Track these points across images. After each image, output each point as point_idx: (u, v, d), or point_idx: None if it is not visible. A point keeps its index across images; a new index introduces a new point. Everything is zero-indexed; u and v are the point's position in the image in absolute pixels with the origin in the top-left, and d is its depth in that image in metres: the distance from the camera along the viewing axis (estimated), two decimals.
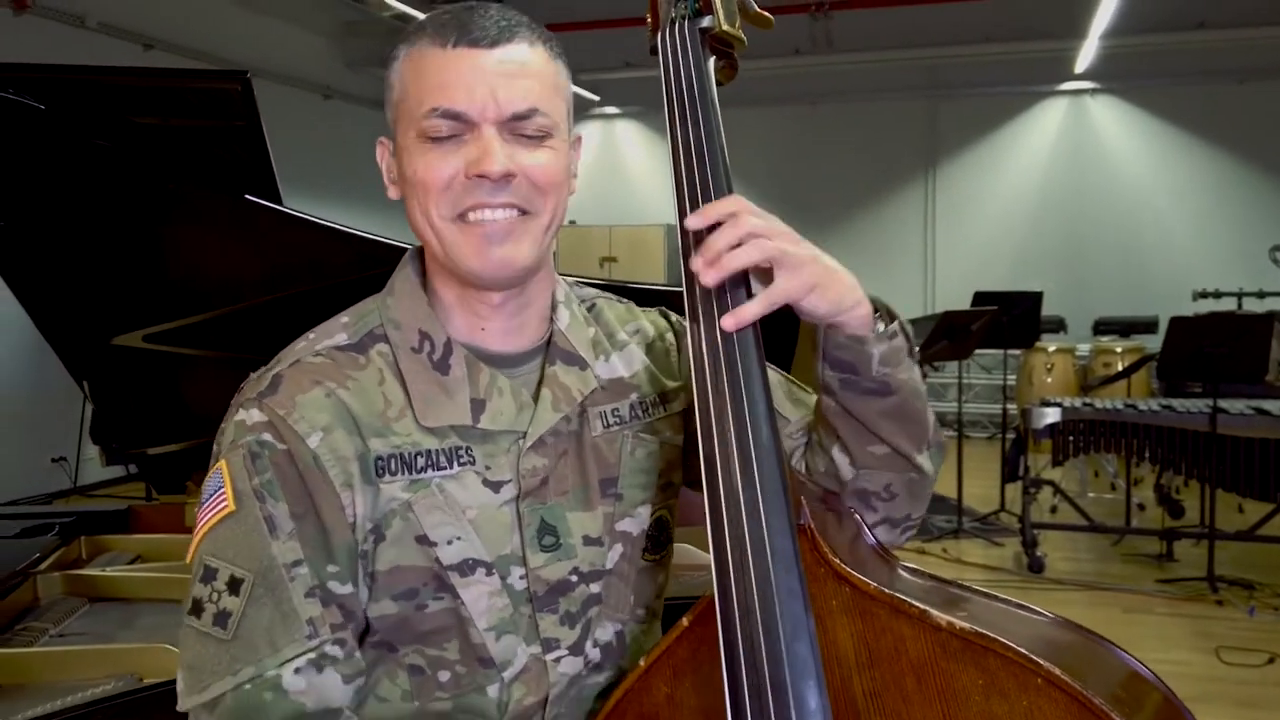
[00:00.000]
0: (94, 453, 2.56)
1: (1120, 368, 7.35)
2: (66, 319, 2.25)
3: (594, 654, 1.03)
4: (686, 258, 0.95)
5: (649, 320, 1.15)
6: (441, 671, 0.97)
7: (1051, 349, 8.16)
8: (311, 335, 1.00)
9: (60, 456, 6.10)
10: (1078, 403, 5.18)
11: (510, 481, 0.98)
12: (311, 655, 0.88)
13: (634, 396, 1.08)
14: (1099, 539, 5.57)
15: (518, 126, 0.92)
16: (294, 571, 0.89)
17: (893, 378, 0.97)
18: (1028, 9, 8.38)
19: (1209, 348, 4.77)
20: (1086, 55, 8.76)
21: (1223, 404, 4.69)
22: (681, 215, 0.96)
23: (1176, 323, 5.20)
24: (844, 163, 9.91)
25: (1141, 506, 5.79)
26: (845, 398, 0.99)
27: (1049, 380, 8.06)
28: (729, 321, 0.91)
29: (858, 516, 1.02)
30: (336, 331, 1.00)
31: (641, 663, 0.94)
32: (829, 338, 0.96)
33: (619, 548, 1.04)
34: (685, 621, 0.93)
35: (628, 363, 1.09)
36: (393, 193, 1.00)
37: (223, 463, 0.92)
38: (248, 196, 1.77)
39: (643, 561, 1.06)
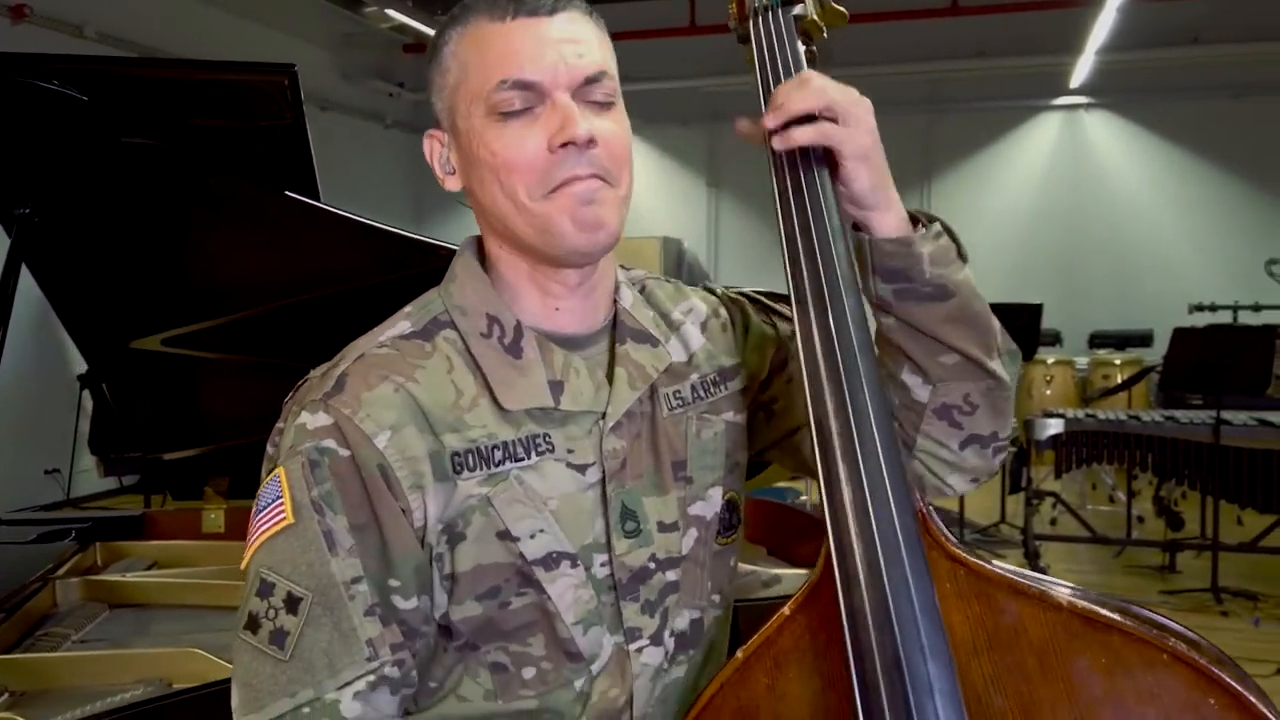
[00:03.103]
0: (89, 464, 2.52)
1: (1119, 380, 7.36)
2: (92, 317, 2.20)
3: (670, 643, 0.99)
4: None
5: (699, 298, 1.12)
6: (526, 668, 0.93)
7: (1051, 361, 8.19)
8: (374, 331, 0.97)
9: (54, 468, 6.04)
10: (1081, 414, 5.17)
11: (594, 464, 0.95)
12: (371, 678, 0.85)
13: (694, 377, 1.05)
14: (1100, 551, 5.57)
15: (588, 92, 0.90)
16: (354, 589, 0.85)
17: (948, 278, 0.95)
18: (1024, 24, 8.43)
19: (1213, 359, 4.78)
20: (1082, 70, 8.83)
21: (1226, 415, 4.68)
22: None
23: (1180, 334, 5.20)
24: None
25: (1141, 519, 5.80)
26: (904, 309, 0.96)
27: (1048, 393, 8.08)
28: (771, 120, 0.92)
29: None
30: (399, 321, 0.97)
31: (739, 654, 0.92)
32: (874, 247, 0.94)
33: (693, 532, 1.01)
34: (787, 610, 0.91)
35: (685, 344, 1.06)
36: (451, 184, 0.98)
37: (281, 470, 0.87)
38: (288, 193, 1.75)
39: (716, 546, 1.04)
